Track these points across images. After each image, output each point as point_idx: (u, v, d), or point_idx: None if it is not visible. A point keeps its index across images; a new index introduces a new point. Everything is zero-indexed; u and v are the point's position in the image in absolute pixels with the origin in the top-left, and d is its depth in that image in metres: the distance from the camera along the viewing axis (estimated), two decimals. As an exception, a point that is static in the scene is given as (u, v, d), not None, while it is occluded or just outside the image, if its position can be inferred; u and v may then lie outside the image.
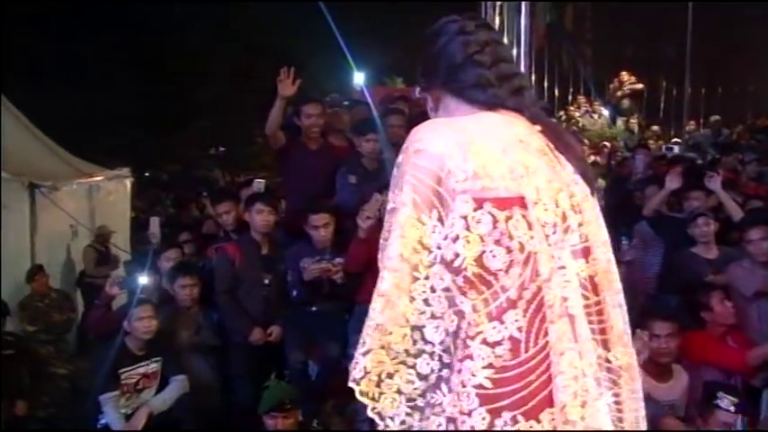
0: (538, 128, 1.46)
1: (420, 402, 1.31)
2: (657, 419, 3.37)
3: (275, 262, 4.50)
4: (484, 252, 1.31)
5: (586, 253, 1.41)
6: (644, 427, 1.46)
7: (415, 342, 1.30)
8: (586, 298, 1.40)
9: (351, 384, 1.31)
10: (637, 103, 13.66)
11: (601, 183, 7.80)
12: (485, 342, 1.31)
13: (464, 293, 1.32)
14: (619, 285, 1.47)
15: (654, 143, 11.22)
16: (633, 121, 13.04)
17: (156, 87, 15.12)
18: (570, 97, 14.58)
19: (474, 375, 1.30)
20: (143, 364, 4.06)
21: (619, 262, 4.49)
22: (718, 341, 4.07)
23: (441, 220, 1.32)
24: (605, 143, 10.58)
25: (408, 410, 1.31)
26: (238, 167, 15.09)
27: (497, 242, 1.32)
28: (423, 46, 1.57)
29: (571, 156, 1.46)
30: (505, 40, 9.92)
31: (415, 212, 1.32)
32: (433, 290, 1.31)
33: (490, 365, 1.30)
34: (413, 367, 1.31)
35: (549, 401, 1.32)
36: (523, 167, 1.36)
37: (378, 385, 1.30)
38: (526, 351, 1.32)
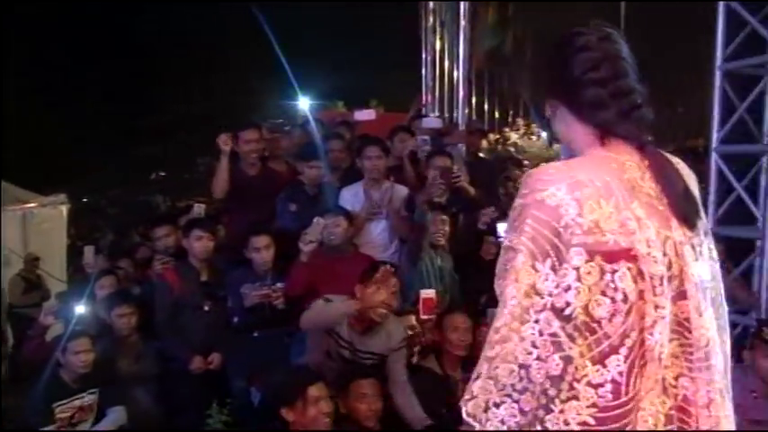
0: (646, 162, 1.50)
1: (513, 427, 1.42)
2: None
3: (215, 288, 4.44)
4: (590, 301, 1.39)
5: (683, 296, 1.47)
6: None
7: (521, 379, 1.40)
8: (686, 338, 1.47)
9: (461, 403, 1.44)
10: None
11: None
12: (589, 384, 1.39)
13: (573, 340, 1.39)
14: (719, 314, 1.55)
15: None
16: (571, 142, 13.34)
17: (97, 112, 14.87)
18: (510, 120, 14.85)
19: (579, 414, 1.39)
20: (78, 396, 3.93)
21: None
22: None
23: (554, 269, 1.40)
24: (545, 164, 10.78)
25: None
26: (180, 193, 14.90)
27: (603, 293, 1.39)
28: (550, 55, 1.61)
29: (672, 195, 1.49)
30: (446, 65, 10.17)
31: (530, 260, 1.41)
32: (540, 333, 1.40)
33: (594, 405, 1.39)
34: (517, 402, 1.41)
35: None
36: (635, 221, 1.42)
37: (485, 411, 1.42)
38: (626, 394, 1.40)
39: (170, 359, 4.36)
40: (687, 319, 1.47)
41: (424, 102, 10.32)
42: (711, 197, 4.47)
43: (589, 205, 1.40)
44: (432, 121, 6.61)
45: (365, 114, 7.32)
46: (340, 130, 5.97)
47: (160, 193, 15.11)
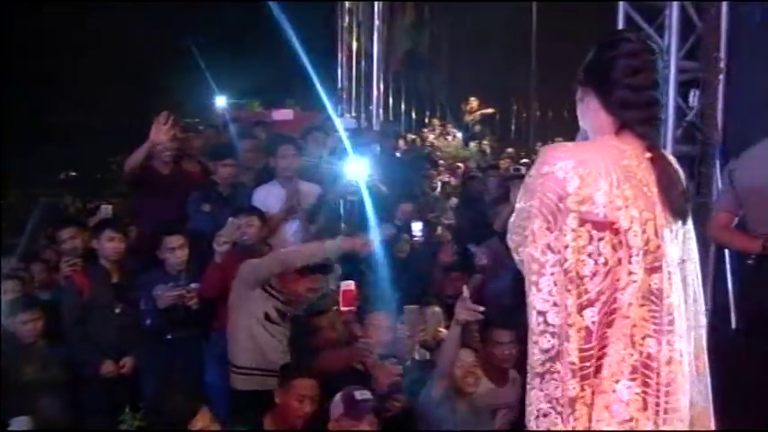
0: (648, 155, 1.79)
1: (539, 369, 1.70)
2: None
3: (127, 290, 4.35)
4: (578, 260, 1.70)
5: (658, 270, 1.76)
6: (667, 416, 1.78)
7: (539, 324, 1.69)
8: (655, 305, 1.76)
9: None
10: (489, 126, 14.29)
11: (453, 201, 8.14)
12: (575, 329, 1.69)
13: (569, 291, 1.69)
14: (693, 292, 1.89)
15: (507, 164, 11.78)
16: (485, 142, 13.63)
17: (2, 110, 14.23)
18: (426, 120, 15.08)
19: (569, 354, 1.68)
20: (-22, 408, 3.79)
21: (475, 269, 4.71)
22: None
23: (561, 230, 1.70)
24: (459, 164, 11.00)
25: (533, 376, 1.72)
26: (90, 194, 14.42)
27: (589, 254, 1.70)
28: (596, 48, 1.90)
29: (671, 190, 1.79)
30: (362, 65, 10.24)
31: (544, 224, 1.71)
32: (555, 284, 1.69)
33: (578, 348, 1.69)
34: (536, 344, 1.70)
35: (598, 379, 1.72)
36: (623, 200, 1.72)
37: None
38: (595, 340, 1.71)
39: (80, 364, 4.25)
40: (659, 290, 1.75)
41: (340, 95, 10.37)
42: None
43: (588, 182, 1.70)
44: (348, 121, 6.68)
45: (283, 114, 7.32)
46: (254, 129, 5.95)
47: (70, 194, 14.58)
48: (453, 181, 9.64)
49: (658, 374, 1.75)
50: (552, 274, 1.69)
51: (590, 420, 1.71)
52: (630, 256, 1.72)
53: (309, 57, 13.20)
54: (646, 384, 1.74)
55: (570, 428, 1.70)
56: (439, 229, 6.33)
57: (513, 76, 15.23)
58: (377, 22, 9.41)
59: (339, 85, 10.43)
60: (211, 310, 4.30)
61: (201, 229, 4.61)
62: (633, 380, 1.74)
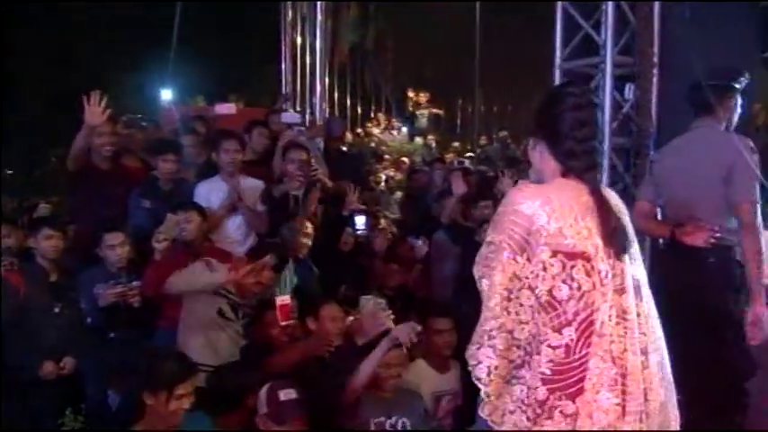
0: (588, 188, 2.06)
1: (507, 377, 2.00)
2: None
3: (66, 289, 4.25)
4: (554, 286, 1.97)
5: (624, 291, 2.03)
6: (650, 420, 2.03)
7: (507, 340, 1.99)
8: (626, 321, 2.01)
9: (470, 369, 2.02)
10: (434, 120, 14.41)
11: (398, 195, 8.20)
12: (549, 346, 1.97)
13: (538, 313, 1.98)
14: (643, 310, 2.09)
15: (451, 157, 11.90)
16: (431, 137, 13.75)
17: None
18: (372, 114, 15.12)
19: (540, 366, 1.97)
20: None
21: (417, 260, 4.73)
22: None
23: (528, 259, 1.99)
24: (404, 158, 11.07)
25: (503, 384, 1.99)
26: (27, 191, 14.02)
27: (564, 281, 1.97)
28: (545, 101, 2.17)
29: (610, 217, 2.06)
30: (307, 59, 10.20)
31: (512, 254, 1.99)
32: (521, 305, 1.99)
33: (551, 361, 1.97)
34: (505, 358, 1.99)
35: (581, 391, 1.96)
36: (587, 230, 2.00)
37: (488, 374, 1.99)
38: (574, 354, 1.96)
39: (17, 367, 4.14)
40: (629, 307, 2.02)
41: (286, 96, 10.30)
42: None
43: (555, 217, 1.98)
44: (290, 115, 6.65)
45: (225, 108, 7.25)
46: (196, 124, 5.88)
47: (5, 193, 14.15)
48: (399, 175, 9.70)
49: (637, 384, 2.00)
50: (518, 297, 1.99)
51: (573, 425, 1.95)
52: (601, 280, 1.99)
53: (253, 52, 13.12)
54: (625, 393, 1.99)
55: (538, 428, 1.95)
56: (383, 222, 6.36)
57: (457, 71, 15.38)
58: (319, 17, 9.36)
59: (283, 79, 10.34)
60: (156, 307, 4.24)
61: (142, 225, 4.55)
62: (612, 391, 1.97)
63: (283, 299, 4.02)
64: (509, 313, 1.98)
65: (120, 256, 4.23)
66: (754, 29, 4.48)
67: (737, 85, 3.72)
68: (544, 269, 1.96)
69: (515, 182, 5.97)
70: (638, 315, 2.04)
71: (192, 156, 5.09)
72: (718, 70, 3.67)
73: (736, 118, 3.75)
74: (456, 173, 6.11)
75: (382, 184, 8.84)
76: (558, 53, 4.84)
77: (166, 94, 9.26)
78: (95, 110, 4.36)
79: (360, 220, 5.40)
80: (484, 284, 2.04)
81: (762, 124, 6.71)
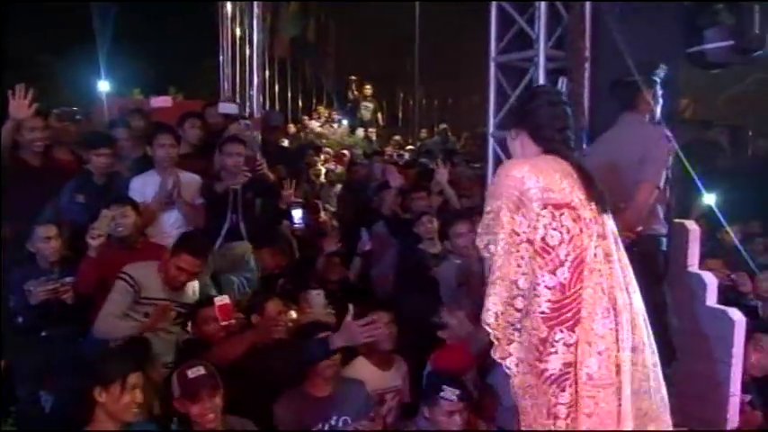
0: (569, 162, 2.45)
1: (518, 325, 2.35)
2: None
3: (-5, 288, 4.14)
4: (546, 234, 2.31)
5: (605, 237, 2.41)
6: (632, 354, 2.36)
7: (512, 289, 2.34)
8: (610, 263, 2.38)
9: (486, 323, 2.38)
10: (375, 114, 14.43)
11: (338, 188, 8.20)
12: (546, 287, 2.30)
13: (534, 259, 2.31)
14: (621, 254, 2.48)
15: (392, 150, 11.96)
16: (371, 129, 13.77)
17: None
18: (313, 107, 15.06)
19: (540, 306, 2.29)
20: None
21: (358, 254, 4.74)
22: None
23: (524, 215, 2.33)
24: (344, 151, 11.07)
25: (512, 331, 2.37)
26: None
27: (554, 228, 2.32)
28: (524, 99, 2.77)
29: (591, 183, 2.44)
30: (246, 52, 10.09)
31: (509, 213, 2.35)
32: (522, 258, 2.33)
33: (548, 300, 2.29)
34: (512, 305, 2.35)
35: (579, 321, 2.28)
36: (570, 187, 2.37)
37: (495, 319, 2.36)
38: (569, 290, 2.30)
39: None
40: (608, 252, 2.39)
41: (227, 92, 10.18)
42: (489, 179, 4.86)
43: (541, 177, 2.34)
44: (227, 106, 6.57)
45: (161, 101, 7.12)
46: (133, 117, 5.77)
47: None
48: (340, 168, 9.69)
49: (626, 317, 2.34)
50: (518, 251, 2.32)
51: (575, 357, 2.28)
52: (587, 225, 2.35)
53: (191, 45, 12.89)
54: (617, 324, 2.32)
55: (545, 361, 2.28)
56: (322, 215, 6.37)
57: (398, 65, 15.45)
58: (256, 11, 9.27)
59: (221, 72, 10.21)
60: (90, 303, 4.15)
61: (75, 220, 4.45)
62: (606, 318, 2.31)
63: (222, 299, 3.96)
64: (511, 265, 2.33)
65: (52, 250, 4.13)
66: (681, 26, 4.63)
67: (655, 78, 3.87)
68: (537, 220, 2.31)
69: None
70: (619, 260, 2.41)
71: (126, 149, 4.99)
72: (636, 65, 3.81)
73: (658, 110, 3.90)
74: (390, 166, 6.18)
75: (322, 177, 8.82)
76: (492, 47, 4.91)
77: (104, 86, 9.01)
78: (21, 103, 4.26)
79: (297, 214, 5.39)
80: (491, 249, 2.40)
81: (689, 118, 6.94)
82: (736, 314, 4.30)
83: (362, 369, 3.92)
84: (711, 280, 4.43)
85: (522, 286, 2.32)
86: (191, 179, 4.87)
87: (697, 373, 4.25)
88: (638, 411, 2.39)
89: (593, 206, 2.41)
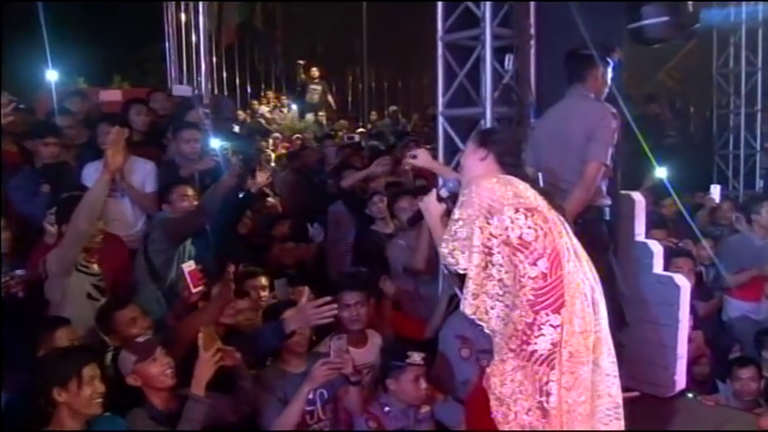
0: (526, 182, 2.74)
1: (504, 317, 2.61)
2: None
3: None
4: (522, 233, 2.55)
5: (567, 233, 2.67)
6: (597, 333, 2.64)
7: (501, 287, 2.60)
8: (579, 258, 2.65)
9: (471, 317, 2.68)
10: (325, 98, 14.38)
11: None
12: (529, 277, 2.54)
13: (516, 255, 2.55)
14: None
15: (344, 133, 11.95)
16: (321, 113, 13.73)
17: None
18: (262, 93, 14.92)
19: (525, 296, 2.53)
20: None
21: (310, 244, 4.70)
22: (400, 315, 4.56)
23: (498, 219, 2.57)
24: (298, 136, 11.03)
25: (502, 324, 2.62)
26: None
27: (529, 227, 2.56)
28: (501, 134, 3.18)
29: (547, 197, 2.74)
30: (193, 38, 9.96)
31: (484, 219, 2.59)
32: (502, 257, 2.58)
33: (532, 288, 2.53)
34: (502, 302, 2.61)
35: (563, 304, 2.53)
36: (535, 196, 2.65)
37: (486, 313, 2.64)
38: (551, 277, 2.54)
39: None
40: (575, 246, 2.67)
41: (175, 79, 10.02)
42: (440, 159, 4.91)
43: (509, 187, 2.62)
44: (182, 88, 6.53)
45: (110, 95, 7.03)
46: (71, 102, 5.67)
47: None
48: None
49: (594, 303, 2.62)
50: (500, 252, 2.57)
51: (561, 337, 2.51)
52: (555, 224, 2.62)
53: (135, 31, 12.64)
54: (592, 304, 2.60)
55: (533, 342, 2.50)
56: (270, 200, 6.35)
57: (346, 48, 15.38)
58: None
59: (168, 58, 10.04)
60: (42, 298, 4.08)
61: (23, 211, 4.37)
62: (584, 301, 2.56)
63: (189, 264, 3.92)
64: (493, 265, 2.58)
65: (5, 240, 4.05)
66: (624, 2, 4.72)
67: (608, 59, 3.96)
68: (512, 222, 2.55)
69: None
70: (582, 252, 2.70)
71: (70, 138, 4.92)
72: (592, 43, 3.90)
73: (605, 90, 3.99)
74: (349, 150, 6.23)
75: (272, 162, 8.78)
76: (440, 27, 4.94)
77: (51, 75, 8.79)
78: None
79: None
80: (456, 256, 2.67)
81: (631, 94, 7.10)
82: (682, 280, 4.47)
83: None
84: (657, 248, 4.58)
85: (508, 283, 2.59)
86: (141, 165, 4.82)
87: (646, 337, 4.41)
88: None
89: (555, 214, 2.68)
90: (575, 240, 2.69)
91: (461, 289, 2.74)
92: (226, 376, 3.31)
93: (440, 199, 2.97)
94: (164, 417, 3.12)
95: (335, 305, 3.57)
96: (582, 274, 2.63)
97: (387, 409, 3.62)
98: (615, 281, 3.82)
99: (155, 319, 3.88)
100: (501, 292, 2.60)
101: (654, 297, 4.46)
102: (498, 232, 2.57)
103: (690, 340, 4.64)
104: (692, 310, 4.83)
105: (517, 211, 2.58)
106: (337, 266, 5.71)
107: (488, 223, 2.58)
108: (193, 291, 3.85)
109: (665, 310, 4.41)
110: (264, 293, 4.34)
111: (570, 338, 2.52)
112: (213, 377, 3.14)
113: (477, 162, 2.86)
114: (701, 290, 5.65)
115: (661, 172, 6.51)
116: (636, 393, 4.40)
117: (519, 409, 2.55)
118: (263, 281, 4.39)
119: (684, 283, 4.43)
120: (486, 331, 2.68)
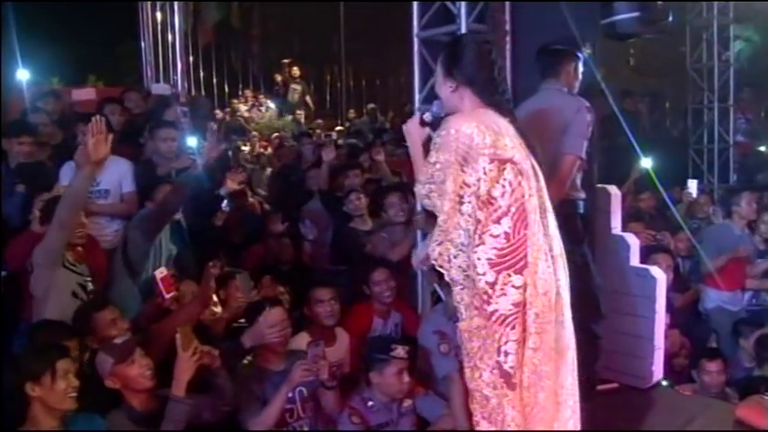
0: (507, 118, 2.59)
1: (465, 268, 2.50)
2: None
3: None
4: (492, 186, 2.45)
5: (539, 189, 2.56)
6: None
7: (464, 237, 2.49)
8: (544, 216, 2.55)
9: (433, 262, 2.56)
10: (303, 96, 14.35)
11: (268, 171, 8.17)
12: (491, 235, 2.44)
13: (480, 210, 2.45)
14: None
15: (322, 132, 11.94)
16: (299, 112, 13.70)
17: None
18: (240, 92, 14.85)
19: (486, 254, 2.43)
20: None
21: (305, 240, 4.72)
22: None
23: (473, 169, 2.46)
24: (277, 134, 11.01)
25: (463, 275, 2.51)
26: None
27: (498, 181, 2.45)
28: (459, 53, 2.66)
29: (526, 139, 2.60)
30: (169, 37, 9.89)
31: (458, 166, 2.47)
32: (471, 208, 2.46)
33: (494, 248, 2.43)
34: (464, 252, 2.49)
35: (526, 264, 2.45)
36: (512, 143, 2.51)
37: (448, 261, 2.53)
38: (514, 238, 2.45)
39: None
40: (546, 205, 2.58)
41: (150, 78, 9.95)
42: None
43: (488, 134, 2.46)
44: (161, 87, 6.51)
45: (84, 94, 6.98)
46: (45, 102, 5.62)
47: None
48: (270, 151, 9.64)
49: (558, 260, 2.56)
50: (470, 202, 2.46)
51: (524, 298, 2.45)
52: (527, 178, 2.50)
53: (110, 30, 12.52)
54: (555, 267, 2.54)
55: (494, 302, 2.43)
56: (250, 199, 6.35)
57: (324, 45, 15.39)
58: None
59: (143, 58, 9.97)
60: (18, 297, 4.04)
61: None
62: (546, 261, 2.50)
63: (161, 271, 3.90)
64: (462, 214, 2.47)
65: None
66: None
67: (579, 54, 4.00)
68: (484, 173, 2.44)
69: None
70: (549, 211, 2.60)
71: (44, 136, 4.86)
72: (563, 38, 3.93)
73: (577, 84, 4.02)
74: (327, 148, 6.27)
75: (249, 162, 8.76)
76: (415, 23, 4.95)
77: (23, 75, 8.68)
78: None
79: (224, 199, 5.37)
80: (433, 198, 2.54)
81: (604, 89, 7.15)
82: (658, 272, 4.51)
83: (305, 344, 3.87)
84: (634, 241, 4.62)
85: (471, 234, 2.46)
86: (120, 164, 4.78)
87: (623, 329, 4.45)
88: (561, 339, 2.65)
89: (530, 161, 2.55)
90: (544, 194, 2.58)
91: (440, 285, 2.75)
92: (203, 375, 3.29)
93: (423, 123, 2.76)
94: (143, 418, 3.09)
95: (288, 325, 3.66)
96: (546, 232, 2.55)
97: (370, 403, 3.64)
98: (590, 273, 3.84)
99: (132, 314, 3.86)
100: (466, 243, 2.48)
101: (631, 289, 4.50)
102: (472, 181, 2.46)
103: (665, 338, 4.68)
104: (669, 308, 4.89)
105: (492, 162, 2.45)
106: (317, 262, 5.71)
107: (463, 171, 2.46)
108: (166, 297, 3.85)
109: (642, 302, 4.45)
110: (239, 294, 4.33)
111: (534, 300, 2.45)
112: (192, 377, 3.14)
113: (450, 94, 2.67)
114: (678, 282, 5.74)
115: (645, 163, 6.63)
116: (614, 385, 4.45)
117: (483, 366, 2.50)
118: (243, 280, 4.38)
119: (661, 276, 4.48)
120: (446, 279, 2.56)
